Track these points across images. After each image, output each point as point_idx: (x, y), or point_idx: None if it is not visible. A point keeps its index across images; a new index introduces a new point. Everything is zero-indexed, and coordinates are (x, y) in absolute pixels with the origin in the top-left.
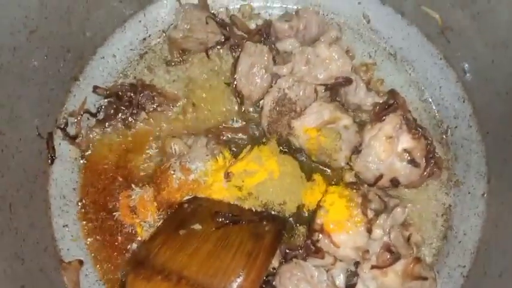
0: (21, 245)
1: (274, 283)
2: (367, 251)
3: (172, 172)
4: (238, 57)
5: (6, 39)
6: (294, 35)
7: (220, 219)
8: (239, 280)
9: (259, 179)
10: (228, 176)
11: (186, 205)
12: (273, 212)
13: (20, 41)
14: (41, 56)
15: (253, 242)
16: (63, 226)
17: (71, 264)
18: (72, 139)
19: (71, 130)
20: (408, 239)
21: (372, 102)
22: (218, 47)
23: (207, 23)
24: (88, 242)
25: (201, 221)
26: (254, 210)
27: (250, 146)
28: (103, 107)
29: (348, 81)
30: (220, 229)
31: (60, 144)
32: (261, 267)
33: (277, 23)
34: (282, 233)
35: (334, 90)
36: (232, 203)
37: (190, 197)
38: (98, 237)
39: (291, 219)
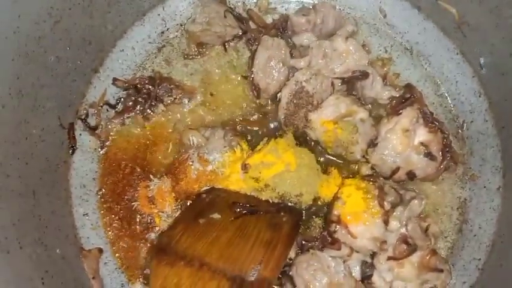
0: (44, 232)
1: (290, 273)
2: (385, 242)
3: (190, 163)
4: (256, 50)
5: (32, 29)
6: (311, 29)
7: (239, 210)
8: (259, 268)
9: (276, 170)
10: (245, 167)
11: (204, 195)
12: (289, 204)
13: (44, 30)
14: (64, 46)
15: (271, 232)
16: (83, 215)
17: (90, 252)
18: (92, 130)
19: (91, 121)
20: (426, 230)
21: (389, 96)
22: (235, 40)
23: (225, 16)
24: (107, 231)
25: (220, 211)
26: (271, 201)
27: (267, 138)
28: (122, 99)
29: (364, 74)
30: (238, 219)
31: (80, 134)
32: (280, 257)
33: (294, 17)
34: (299, 224)
35: (350, 83)
36: (249, 194)
37: (208, 187)
38: (117, 226)
39: (307, 210)
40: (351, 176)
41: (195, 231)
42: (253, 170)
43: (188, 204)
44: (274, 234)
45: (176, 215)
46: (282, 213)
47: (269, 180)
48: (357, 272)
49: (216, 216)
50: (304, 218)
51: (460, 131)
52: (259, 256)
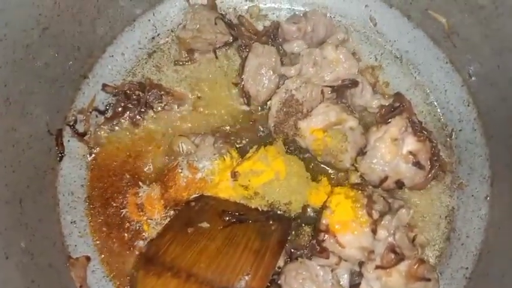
0: (30, 240)
1: (279, 282)
2: (372, 252)
3: (179, 170)
4: (246, 57)
5: (20, 36)
6: (302, 37)
7: (228, 218)
8: (247, 278)
9: (266, 178)
10: (234, 175)
11: (193, 203)
12: (278, 212)
13: (32, 38)
14: (52, 53)
15: (260, 241)
16: (71, 222)
17: (78, 260)
18: (81, 136)
19: (80, 127)
20: (413, 240)
21: (378, 104)
22: (226, 47)
23: (215, 23)
24: (95, 239)
25: (209, 220)
26: (260, 209)
27: (256, 146)
28: (111, 104)
29: (354, 83)
30: (227, 228)
31: (69, 141)
32: (269, 265)
33: (285, 24)
34: (288, 233)
35: (340, 91)
36: (238, 202)
37: (197, 195)
38: (105, 233)
39: (296, 219)
40: (339, 184)
41: (184, 240)
42: (243, 177)
43: (177, 212)
44: (263, 242)
45: (165, 223)
46: (271, 222)
47: (258, 188)
48: (345, 280)
49: (205, 225)
50: (293, 226)
51: (448, 139)
52: (247, 265)
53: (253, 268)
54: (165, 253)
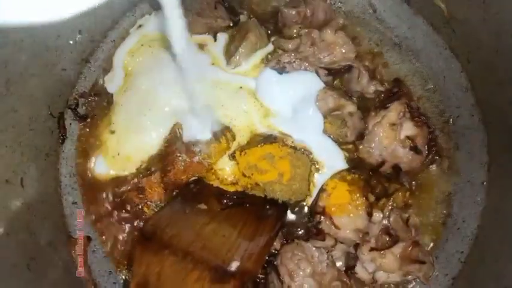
0: (32, 220)
1: (275, 263)
2: (367, 233)
3: (178, 155)
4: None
5: None
6: (301, 21)
7: (225, 201)
8: (243, 259)
9: (269, 179)
10: (233, 157)
11: (192, 185)
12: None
13: None
14: (53, 35)
15: (256, 225)
16: (73, 203)
17: (79, 240)
18: (83, 119)
19: (82, 111)
20: (407, 222)
21: (374, 90)
22: (227, 31)
23: (215, 7)
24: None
25: (206, 202)
26: (257, 195)
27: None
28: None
29: (349, 68)
30: (224, 210)
31: (71, 124)
32: (263, 249)
33: (284, 9)
34: (284, 218)
35: (336, 75)
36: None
37: (195, 177)
38: (105, 214)
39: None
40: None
41: (181, 220)
42: (246, 168)
43: (176, 193)
44: (259, 226)
45: (165, 203)
46: (267, 206)
47: (260, 182)
48: (340, 262)
49: (203, 206)
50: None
51: (447, 125)
52: (243, 248)
53: (248, 250)
54: (163, 232)
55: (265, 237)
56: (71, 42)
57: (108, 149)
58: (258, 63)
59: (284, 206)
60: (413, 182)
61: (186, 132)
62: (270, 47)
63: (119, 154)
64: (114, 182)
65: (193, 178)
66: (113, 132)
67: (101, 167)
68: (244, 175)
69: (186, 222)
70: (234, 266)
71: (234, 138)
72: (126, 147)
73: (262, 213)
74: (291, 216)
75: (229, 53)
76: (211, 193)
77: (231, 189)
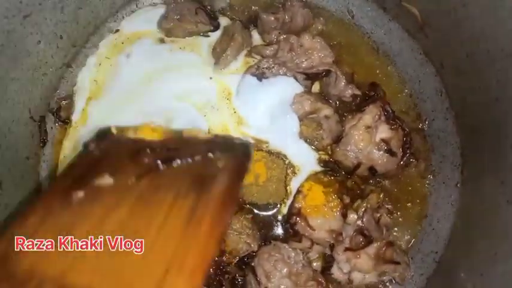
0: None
1: (252, 264)
2: (340, 234)
3: None
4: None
5: (1, 23)
6: (280, 27)
7: (146, 160)
8: (167, 276)
9: (245, 181)
10: None
11: (92, 145)
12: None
13: (13, 25)
14: (34, 41)
15: (196, 195)
16: None
17: None
18: (64, 123)
19: (63, 114)
20: (378, 221)
21: (351, 94)
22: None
23: (196, 13)
24: None
25: (114, 170)
26: (202, 137)
27: None
28: None
29: (327, 72)
30: (143, 179)
31: (52, 128)
32: (207, 242)
33: (263, 15)
34: (245, 167)
35: (314, 80)
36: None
37: (101, 128)
38: None
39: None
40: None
41: (60, 220)
42: None
43: (64, 168)
44: (199, 198)
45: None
46: (217, 155)
47: None
48: (317, 263)
49: (106, 180)
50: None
51: (422, 128)
52: (169, 247)
53: (180, 251)
54: (21, 254)
55: (210, 217)
56: (53, 47)
57: None
58: (244, 63)
59: (244, 148)
60: (388, 184)
61: None
62: None
63: None
64: None
65: (97, 131)
66: None
67: None
68: None
69: (71, 222)
70: None
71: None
72: None
73: (207, 171)
74: (267, 216)
75: (217, 55)
76: (123, 152)
77: (158, 136)
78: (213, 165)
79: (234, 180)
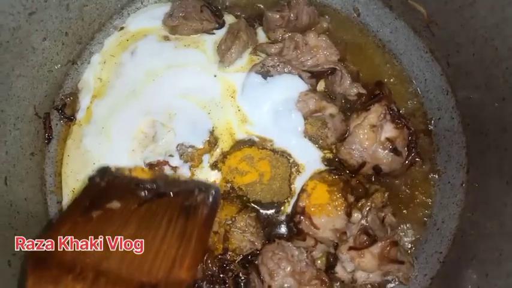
0: (15, 217)
1: (256, 262)
2: (344, 233)
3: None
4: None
5: (6, 19)
6: (285, 25)
7: (143, 193)
8: (173, 270)
9: (250, 179)
10: (215, 166)
11: (97, 179)
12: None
13: (19, 21)
14: (40, 38)
15: (185, 219)
16: (57, 202)
17: None
18: (69, 120)
19: (68, 111)
20: (382, 221)
21: (356, 92)
22: (213, 34)
23: (201, 11)
24: None
25: (119, 197)
26: (182, 179)
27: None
28: None
29: (332, 70)
30: (143, 206)
31: (57, 124)
32: (197, 250)
33: (268, 13)
34: (217, 202)
35: (319, 78)
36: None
37: (101, 167)
38: None
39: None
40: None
41: (87, 229)
42: (228, 173)
43: (77, 194)
44: (188, 221)
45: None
46: (196, 192)
47: (242, 186)
48: (321, 262)
49: (115, 204)
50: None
51: (428, 127)
52: (171, 252)
53: (179, 255)
54: (63, 250)
55: (197, 234)
56: (58, 44)
57: None
58: (249, 61)
59: (216, 189)
60: (393, 183)
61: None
62: None
63: None
64: None
65: (98, 166)
66: None
67: None
68: (227, 181)
69: (94, 231)
70: (164, 279)
71: (216, 141)
72: None
73: (191, 202)
74: (271, 215)
75: (222, 52)
76: (125, 186)
77: (148, 176)
78: (194, 198)
79: (211, 209)
